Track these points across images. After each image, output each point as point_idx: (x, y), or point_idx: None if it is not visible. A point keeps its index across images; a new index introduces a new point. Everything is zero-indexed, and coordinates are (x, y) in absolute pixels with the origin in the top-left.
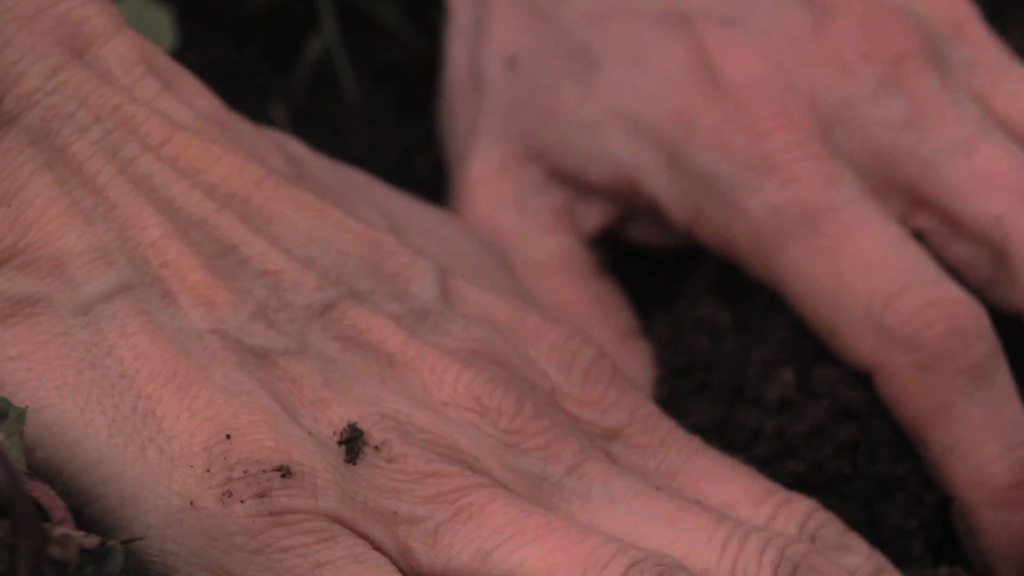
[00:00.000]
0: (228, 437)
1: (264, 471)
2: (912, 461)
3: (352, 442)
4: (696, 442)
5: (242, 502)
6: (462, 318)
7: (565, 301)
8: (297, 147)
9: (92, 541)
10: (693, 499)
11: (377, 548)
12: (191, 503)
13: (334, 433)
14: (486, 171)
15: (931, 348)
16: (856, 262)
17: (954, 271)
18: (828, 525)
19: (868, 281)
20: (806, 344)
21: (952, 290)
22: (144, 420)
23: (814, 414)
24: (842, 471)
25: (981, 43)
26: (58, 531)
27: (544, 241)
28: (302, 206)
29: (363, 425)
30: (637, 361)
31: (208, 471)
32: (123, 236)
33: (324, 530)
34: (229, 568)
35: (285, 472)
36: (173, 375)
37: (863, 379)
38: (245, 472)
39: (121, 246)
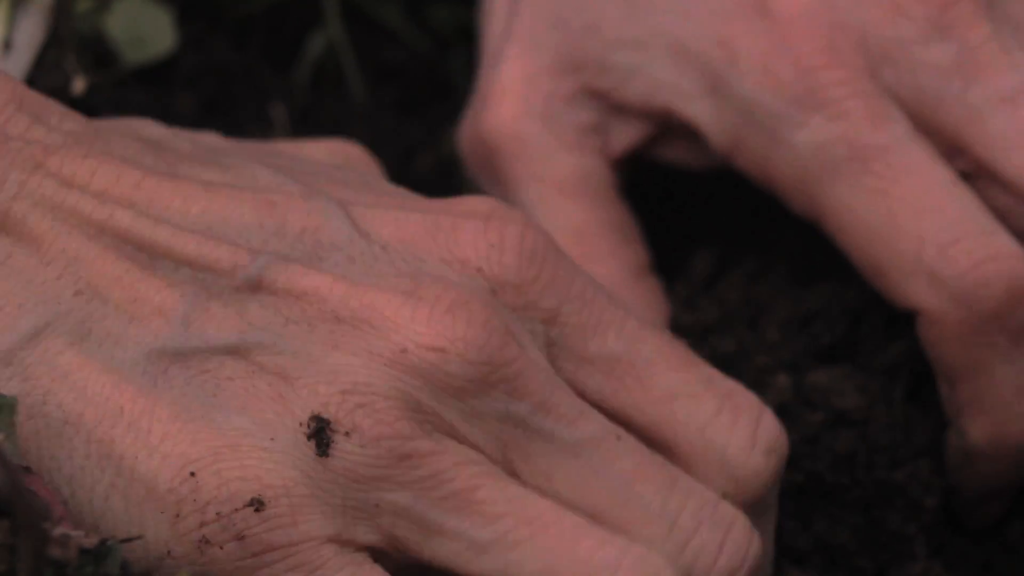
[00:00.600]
0: (192, 474)
1: (236, 509)
2: (911, 466)
3: (320, 434)
4: (632, 323)
5: (221, 547)
6: (382, 248)
7: (581, 224)
8: (156, 130)
9: (91, 540)
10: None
11: (366, 548)
12: (168, 553)
13: (300, 425)
14: (518, 79)
15: (985, 306)
16: (908, 204)
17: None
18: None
19: (921, 225)
20: (799, 346)
21: (1008, 244)
22: (101, 466)
23: (809, 423)
24: (840, 481)
25: None
26: (58, 531)
27: (567, 158)
28: (187, 194)
29: (328, 412)
30: (650, 297)
31: (179, 515)
32: (27, 275)
33: (312, 560)
34: None
35: (258, 505)
36: (120, 412)
37: (858, 384)
38: (218, 514)
39: (28, 286)
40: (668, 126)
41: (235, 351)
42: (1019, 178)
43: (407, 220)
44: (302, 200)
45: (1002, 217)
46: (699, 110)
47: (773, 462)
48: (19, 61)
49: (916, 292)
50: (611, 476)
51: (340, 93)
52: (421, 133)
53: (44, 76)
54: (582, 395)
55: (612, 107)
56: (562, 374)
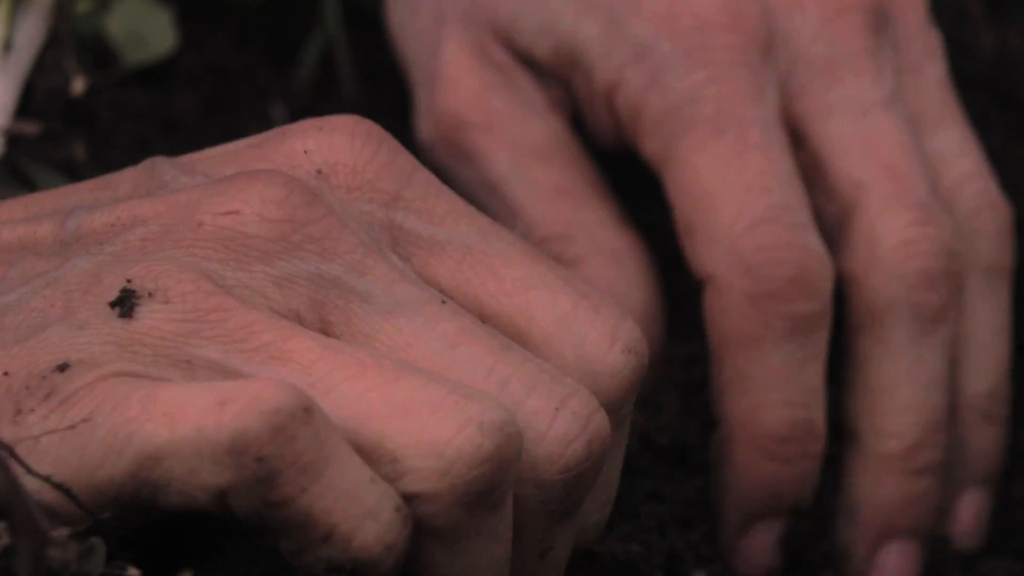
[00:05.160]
0: (6, 374)
1: (44, 377)
2: None
3: (124, 301)
4: (484, 218)
5: (32, 410)
6: (203, 176)
7: (561, 182)
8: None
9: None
10: (476, 312)
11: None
12: None
13: (109, 306)
14: (466, 56)
15: (769, 284)
16: (743, 179)
17: None
18: (631, 330)
19: (745, 200)
20: None
21: (814, 242)
22: None
23: None
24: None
25: (917, 32)
26: (57, 532)
27: (537, 122)
28: (26, 201)
29: (134, 284)
30: (639, 244)
31: None
32: None
33: (114, 384)
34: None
35: (63, 366)
36: None
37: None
38: (27, 388)
39: None
40: (575, 94)
41: (52, 284)
42: (841, 180)
43: (230, 148)
44: (133, 169)
45: (817, 215)
46: (594, 51)
47: (633, 362)
48: (19, 61)
49: (714, 258)
50: (434, 337)
51: (340, 93)
52: None
53: (44, 76)
54: (434, 284)
55: (534, 69)
56: (412, 261)
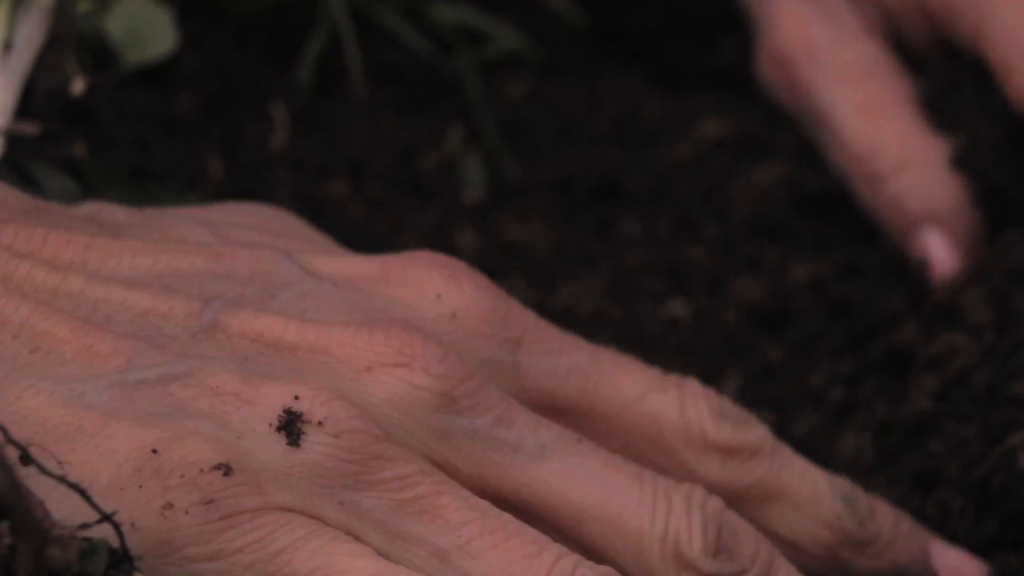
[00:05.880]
0: (155, 451)
1: (203, 471)
2: None
3: (291, 425)
4: (588, 344)
5: (186, 511)
6: (332, 285)
7: (874, 101)
8: (87, 207)
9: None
10: (613, 450)
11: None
12: (132, 525)
13: (269, 425)
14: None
15: None
16: None
17: None
18: (724, 400)
19: None
20: None
21: None
22: (62, 468)
23: None
24: None
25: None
26: (57, 531)
27: (853, 46)
28: (136, 250)
29: (299, 407)
30: (942, 153)
31: (141, 487)
32: None
33: (276, 520)
34: None
35: (226, 470)
36: (79, 430)
37: None
38: (182, 477)
39: None
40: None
41: (194, 374)
42: None
43: (356, 261)
44: (247, 249)
45: None
46: None
47: (740, 433)
48: (19, 61)
49: None
50: (586, 474)
51: (340, 93)
52: (421, 133)
53: (44, 76)
54: (562, 411)
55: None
56: (537, 387)
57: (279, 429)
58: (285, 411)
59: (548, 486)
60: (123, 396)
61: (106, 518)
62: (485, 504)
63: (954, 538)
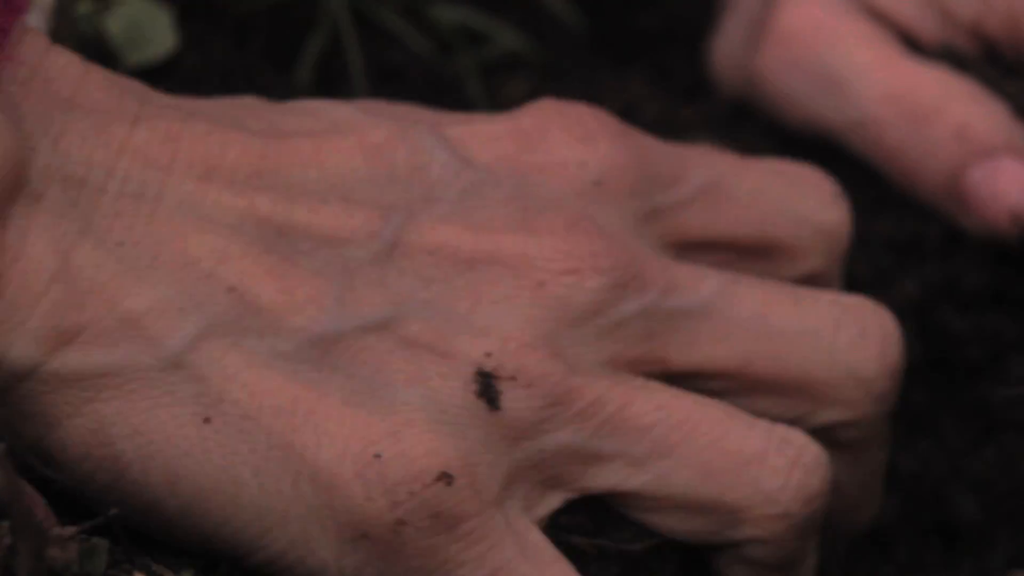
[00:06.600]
0: (376, 456)
1: (427, 485)
2: None
3: (488, 388)
4: (706, 152)
5: (417, 527)
6: (486, 172)
7: (897, 53)
8: (257, 104)
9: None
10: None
11: (553, 490)
12: (364, 535)
13: (466, 385)
14: None
15: None
16: None
17: None
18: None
19: None
20: None
21: None
22: (284, 457)
23: None
24: None
25: None
26: (56, 532)
27: (861, 19)
28: (301, 157)
29: (489, 365)
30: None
31: (369, 499)
32: (179, 277)
33: (493, 532)
34: None
35: (448, 480)
36: (293, 404)
37: None
38: (410, 493)
39: (182, 289)
40: None
41: (388, 325)
42: None
43: (498, 137)
44: (400, 139)
45: None
46: None
47: (847, 215)
48: None
49: None
50: (746, 320)
51: (340, 93)
52: None
53: None
54: (688, 237)
55: None
56: (672, 225)
57: (479, 395)
58: (479, 373)
59: (714, 346)
60: (324, 353)
61: (106, 518)
62: (666, 396)
63: None
